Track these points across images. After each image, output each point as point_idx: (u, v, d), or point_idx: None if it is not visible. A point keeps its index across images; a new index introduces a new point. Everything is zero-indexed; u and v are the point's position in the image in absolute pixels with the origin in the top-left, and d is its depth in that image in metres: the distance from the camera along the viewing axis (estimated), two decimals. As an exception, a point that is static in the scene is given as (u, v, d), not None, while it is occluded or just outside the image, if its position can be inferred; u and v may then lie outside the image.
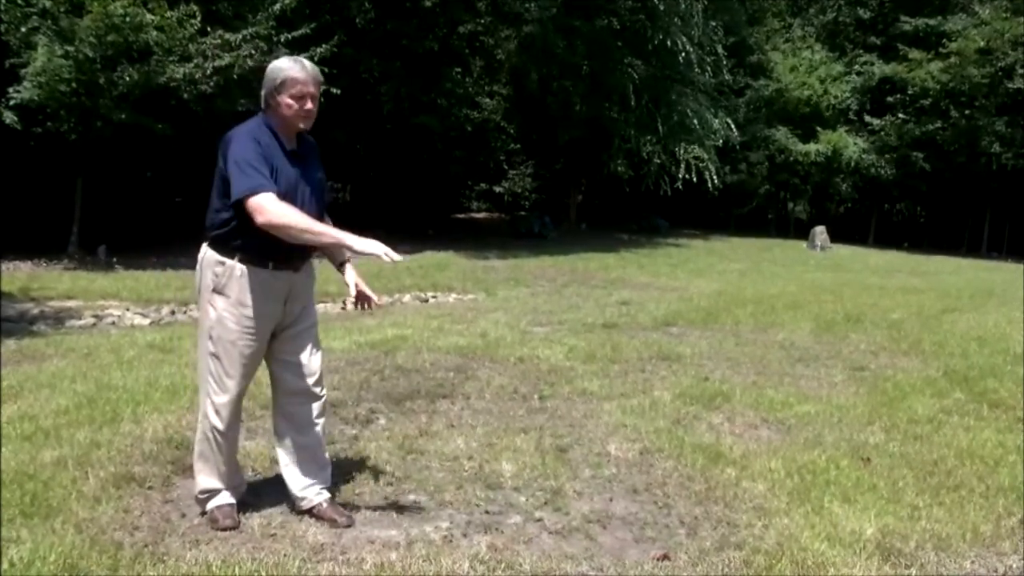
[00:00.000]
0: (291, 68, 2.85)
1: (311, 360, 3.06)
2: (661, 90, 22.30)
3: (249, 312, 2.89)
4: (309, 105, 2.86)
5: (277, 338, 3.03)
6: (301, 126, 2.91)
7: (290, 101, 2.84)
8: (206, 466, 3.02)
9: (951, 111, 27.56)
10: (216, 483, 3.03)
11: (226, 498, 3.03)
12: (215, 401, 2.95)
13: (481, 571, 2.68)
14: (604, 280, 13.27)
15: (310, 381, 3.06)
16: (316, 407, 3.09)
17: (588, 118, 22.85)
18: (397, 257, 2.67)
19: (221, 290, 2.90)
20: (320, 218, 2.95)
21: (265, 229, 2.70)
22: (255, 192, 2.70)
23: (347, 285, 3.11)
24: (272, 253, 2.85)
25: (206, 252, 2.94)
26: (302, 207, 2.83)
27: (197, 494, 3.05)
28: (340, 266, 3.15)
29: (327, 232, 2.74)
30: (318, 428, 3.11)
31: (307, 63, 2.90)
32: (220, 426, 2.96)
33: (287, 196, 2.80)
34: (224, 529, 2.91)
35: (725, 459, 3.80)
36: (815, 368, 6.05)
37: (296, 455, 3.08)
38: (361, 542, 2.87)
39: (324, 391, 3.15)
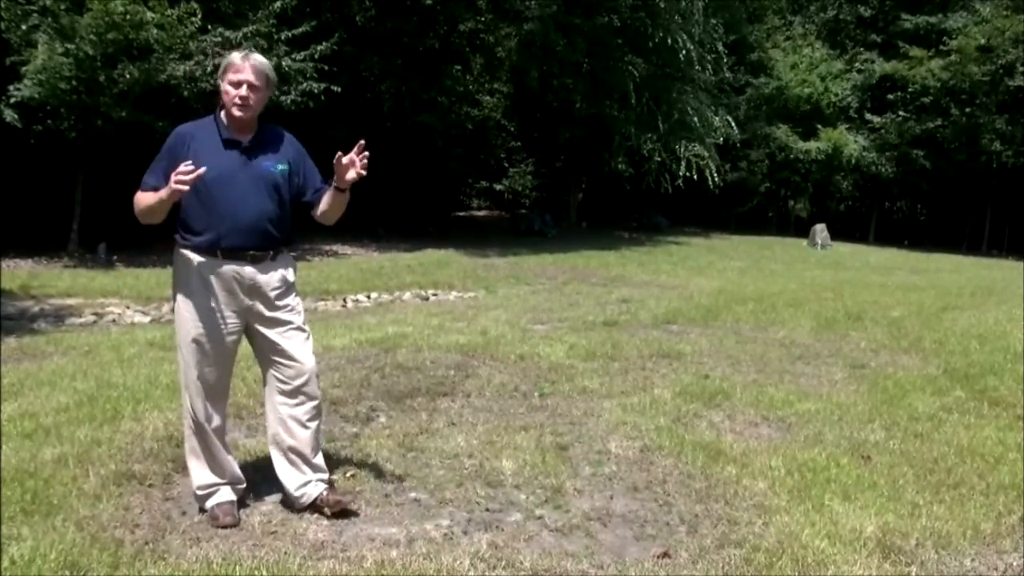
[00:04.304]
0: (234, 55, 2.96)
1: (299, 361, 3.03)
2: (662, 88, 22.25)
3: (202, 301, 2.92)
4: (244, 91, 2.89)
5: (258, 337, 3.03)
6: (236, 113, 2.92)
7: (227, 87, 2.92)
8: (198, 461, 3.04)
9: (951, 109, 27.53)
10: (211, 477, 3.03)
11: (226, 495, 3.03)
12: (189, 393, 2.99)
13: (482, 569, 2.68)
14: (604, 278, 13.27)
15: (298, 382, 3.03)
16: (308, 409, 3.07)
17: (588, 116, 22.80)
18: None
19: (178, 281, 2.98)
20: (279, 208, 2.98)
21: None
22: (140, 189, 2.94)
23: (342, 175, 2.96)
24: (219, 242, 2.89)
25: (175, 244, 3.01)
26: (240, 196, 2.89)
27: (195, 490, 3.05)
28: (338, 189, 3.01)
29: (152, 196, 2.86)
30: (311, 430, 3.09)
31: (254, 55, 2.97)
32: (197, 417, 2.98)
33: (211, 184, 2.86)
34: (224, 527, 2.91)
35: (725, 457, 3.80)
36: (815, 366, 6.05)
37: (288, 456, 3.08)
38: (362, 539, 2.87)
39: (317, 393, 3.11)
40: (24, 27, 12.11)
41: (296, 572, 2.60)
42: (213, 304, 2.92)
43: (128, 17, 12.12)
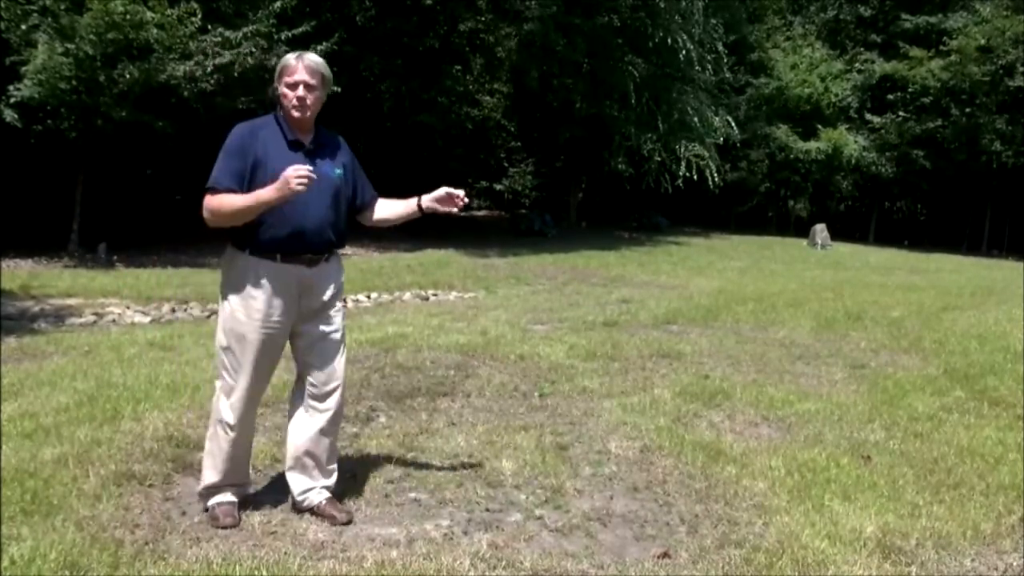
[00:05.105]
0: (289, 57, 2.98)
1: (335, 368, 3.08)
2: (661, 88, 22.25)
3: (258, 304, 2.90)
4: (300, 92, 2.90)
5: (302, 339, 3.04)
6: (295, 114, 2.93)
7: (285, 89, 2.93)
8: (211, 461, 3.03)
9: (952, 109, 27.54)
10: (219, 479, 3.02)
11: (228, 496, 3.04)
12: (225, 394, 2.96)
13: (482, 569, 2.68)
14: (604, 278, 13.26)
15: (329, 387, 3.08)
16: (332, 416, 3.10)
17: (588, 116, 22.80)
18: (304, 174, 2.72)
19: (232, 282, 2.95)
20: (337, 213, 3.02)
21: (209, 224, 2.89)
22: (208, 189, 2.87)
23: (436, 204, 3.15)
24: (279, 245, 2.88)
25: (227, 246, 2.99)
26: (303, 199, 2.86)
27: (200, 489, 3.06)
28: (420, 209, 3.18)
29: (248, 198, 2.81)
30: (331, 436, 3.13)
31: (308, 55, 2.99)
32: (229, 420, 2.96)
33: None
34: (224, 527, 2.91)
35: (725, 457, 3.80)
36: (815, 366, 6.05)
37: (303, 460, 3.09)
38: (362, 540, 2.87)
39: (342, 400, 3.15)
40: (24, 27, 12.09)
41: (296, 572, 2.60)
42: (268, 306, 2.91)
43: (128, 17, 12.10)
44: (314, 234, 2.94)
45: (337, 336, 3.09)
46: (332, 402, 3.09)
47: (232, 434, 2.98)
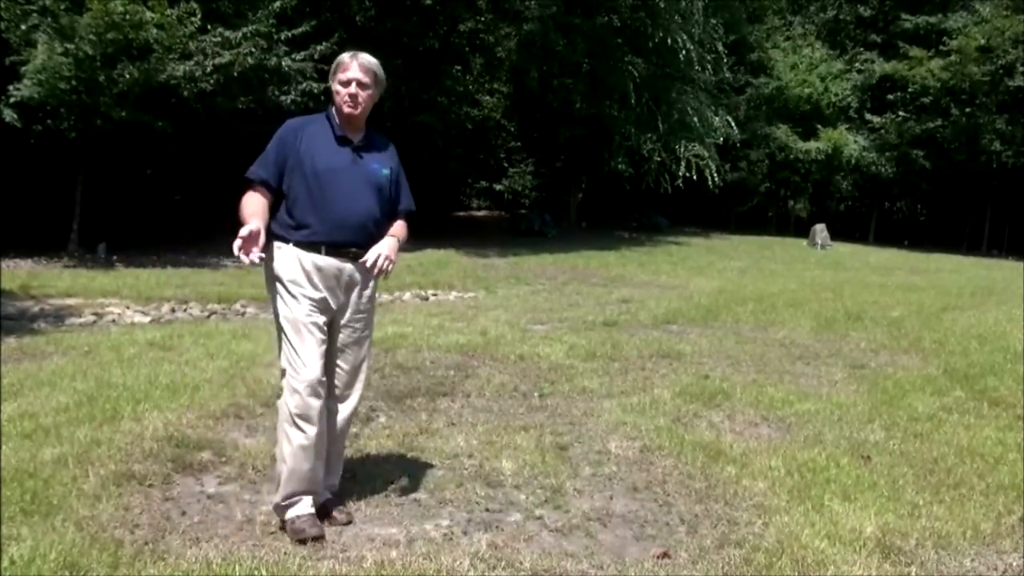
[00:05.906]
0: (343, 55, 3.02)
1: (360, 372, 3.10)
2: (661, 88, 22.26)
3: (306, 292, 2.91)
4: (353, 89, 2.95)
5: (335, 339, 3.03)
6: (346, 111, 2.97)
7: (338, 87, 2.98)
8: (287, 471, 2.88)
9: (951, 109, 27.55)
10: (295, 486, 2.87)
11: (306, 507, 2.89)
12: (290, 384, 2.87)
13: (481, 569, 2.68)
14: (604, 278, 13.26)
15: (352, 390, 3.10)
16: (346, 416, 3.12)
17: (588, 116, 22.81)
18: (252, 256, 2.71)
19: (279, 273, 2.95)
20: (381, 210, 3.04)
21: None
22: (245, 178, 2.96)
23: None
24: (324, 238, 2.91)
25: (272, 240, 2.97)
26: (349, 192, 2.93)
27: (278, 501, 2.91)
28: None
29: (246, 218, 2.81)
30: (342, 440, 3.15)
31: (362, 54, 3.03)
32: (294, 409, 2.85)
33: (323, 177, 2.92)
34: (311, 539, 2.78)
35: (725, 457, 3.80)
36: (815, 366, 6.05)
37: None
38: (361, 540, 2.87)
39: (358, 402, 3.17)
40: (24, 27, 12.10)
41: (296, 572, 2.60)
42: (316, 295, 2.91)
43: (128, 17, 12.11)
44: (359, 227, 2.96)
45: (366, 341, 3.11)
46: (351, 404, 3.11)
47: (299, 427, 2.85)
